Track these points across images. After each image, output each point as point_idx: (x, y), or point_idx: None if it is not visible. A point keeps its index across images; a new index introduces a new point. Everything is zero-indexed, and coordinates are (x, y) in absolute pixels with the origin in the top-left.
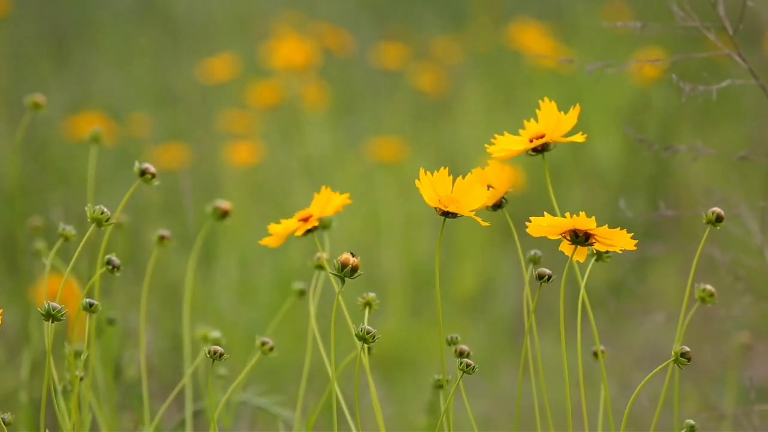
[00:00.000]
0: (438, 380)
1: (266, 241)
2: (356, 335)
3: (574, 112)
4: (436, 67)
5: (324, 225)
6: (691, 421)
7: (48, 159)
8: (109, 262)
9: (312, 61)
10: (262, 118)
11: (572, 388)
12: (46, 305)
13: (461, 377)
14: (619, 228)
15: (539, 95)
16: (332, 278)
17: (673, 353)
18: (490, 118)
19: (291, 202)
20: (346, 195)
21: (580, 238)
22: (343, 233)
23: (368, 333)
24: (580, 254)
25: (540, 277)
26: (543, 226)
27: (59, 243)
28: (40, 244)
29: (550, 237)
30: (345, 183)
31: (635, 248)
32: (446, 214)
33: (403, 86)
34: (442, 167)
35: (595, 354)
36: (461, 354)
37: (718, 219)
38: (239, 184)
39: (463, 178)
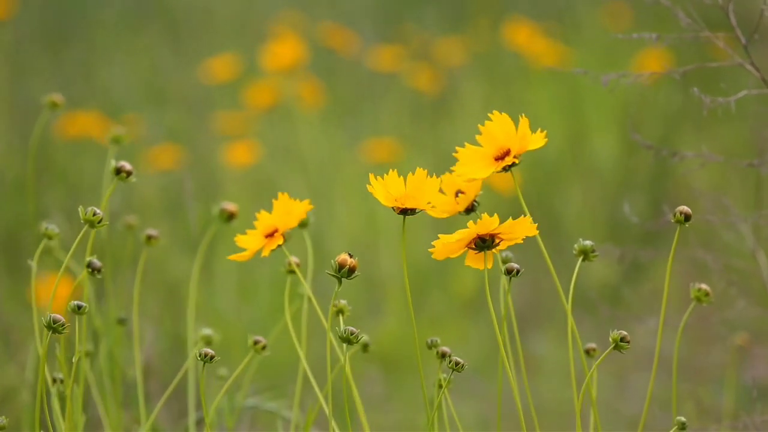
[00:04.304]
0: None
1: (236, 257)
2: (340, 337)
3: (525, 124)
4: (435, 67)
5: (302, 224)
6: (682, 419)
7: (47, 158)
8: (89, 265)
9: (301, 63)
10: (261, 118)
11: (570, 389)
12: (49, 317)
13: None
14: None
15: (538, 95)
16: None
17: (612, 339)
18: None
19: None
20: (307, 201)
21: (487, 242)
22: (342, 234)
23: (352, 334)
24: (489, 260)
25: (508, 271)
26: (450, 243)
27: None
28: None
29: (454, 255)
30: (343, 183)
31: (537, 233)
32: (405, 212)
33: (401, 87)
34: (436, 168)
35: (587, 352)
36: (443, 356)
37: (686, 218)
38: (239, 185)
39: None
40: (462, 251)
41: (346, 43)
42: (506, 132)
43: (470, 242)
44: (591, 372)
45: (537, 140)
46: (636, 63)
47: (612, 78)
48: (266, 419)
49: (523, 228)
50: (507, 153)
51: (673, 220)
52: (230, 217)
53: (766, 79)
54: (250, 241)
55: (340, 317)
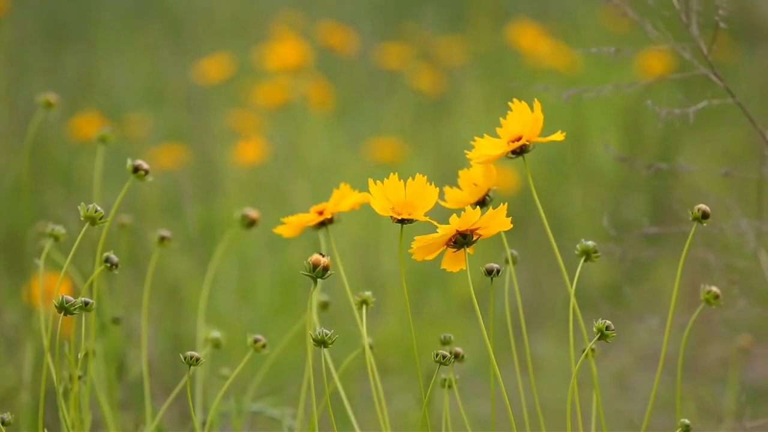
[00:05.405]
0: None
1: (280, 230)
2: (314, 339)
3: (537, 108)
4: (436, 67)
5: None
6: (686, 421)
7: (47, 158)
8: (107, 260)
9: (305, 63)
10: (262, 118)
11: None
12: (60, 298)
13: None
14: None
15: (540, 95)
16: (311, 279)
17: (596, 329)
18: (490, 118)
19: (291, 203)
20: (364, 194)
21: (467, 238)
22: (344, 234)
23: (326, 336)
24: (461, 262)
25: (488, 272)
26: (428, 243)
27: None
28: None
29: (430, 257)
30: (345, 183)
31: (511, 226)
32: (402, 221)
33: (402, 86)
34: (440, 167)
35: (584, 352)
36: (456, 355)
37: (704, 216)
38: (239, 185)
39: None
40: (440, 251)
41: (346, 43)
42: (521, 120)
43: (450, 240)
44: (578, 369)
45: (557, 136)
46: (637, 65)
47: (574, 93)
48: (266, 420)
49: (498, 222)
50: (520, 138)
51: (690, 218)
52: (251, 223)
53: (731, 89)
54: (298, 218)
55: (364, 308)
